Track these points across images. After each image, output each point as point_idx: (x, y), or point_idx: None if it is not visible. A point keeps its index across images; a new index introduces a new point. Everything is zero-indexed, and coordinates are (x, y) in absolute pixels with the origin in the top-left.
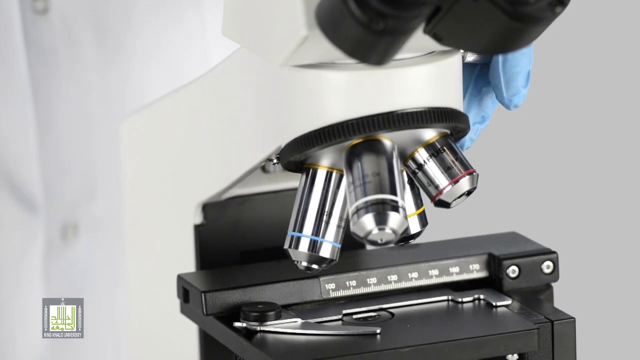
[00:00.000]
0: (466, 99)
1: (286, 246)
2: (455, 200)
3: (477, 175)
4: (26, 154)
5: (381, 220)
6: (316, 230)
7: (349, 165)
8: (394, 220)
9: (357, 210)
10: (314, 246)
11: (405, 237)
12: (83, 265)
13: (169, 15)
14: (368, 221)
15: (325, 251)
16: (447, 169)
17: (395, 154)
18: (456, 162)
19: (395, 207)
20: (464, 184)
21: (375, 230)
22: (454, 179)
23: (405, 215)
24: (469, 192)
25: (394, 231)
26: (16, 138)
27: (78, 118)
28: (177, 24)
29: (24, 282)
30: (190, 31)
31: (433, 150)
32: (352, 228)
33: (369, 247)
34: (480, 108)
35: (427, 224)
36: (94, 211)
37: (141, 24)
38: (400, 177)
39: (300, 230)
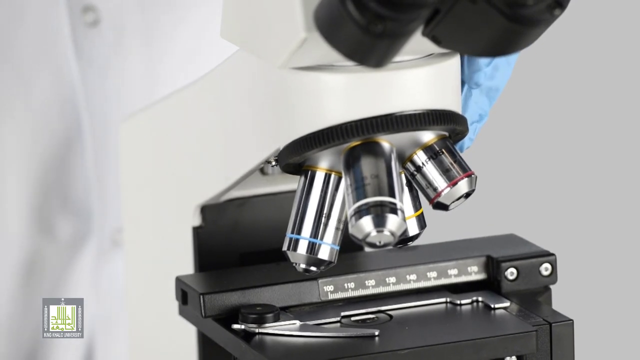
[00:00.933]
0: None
1: (284, 248)
2: (453, 202)
3: (476, 177)
4: (81, 163)
5: (380, 223)
6: (315, 233)
7: (348, 168)
8: (392, 222)
9: (356, 212)
10: (312, 248)
11: (404, 240)
12: None
13: (204, 16)
14: (366, 223)
15: (324, 253)
16: (445, 172)
17: (393, 157)
18: (454, 165)
19: (393, 210)
20: (462, 186)
21: (374, 233)
22: (452, 182)
23: (403, 218)
24: (467, 195)
25: (392, 233)
26: (71, 146)
27: None
28: (211, 25)
29: (74, 285)
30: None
31: (431, 152)
32: (351, 230)
33: (367, 249)
34: (477, 106)
35: (425, 226)
36: None
37: (183, 24)
38: (399, 179)
39: (299, 233)
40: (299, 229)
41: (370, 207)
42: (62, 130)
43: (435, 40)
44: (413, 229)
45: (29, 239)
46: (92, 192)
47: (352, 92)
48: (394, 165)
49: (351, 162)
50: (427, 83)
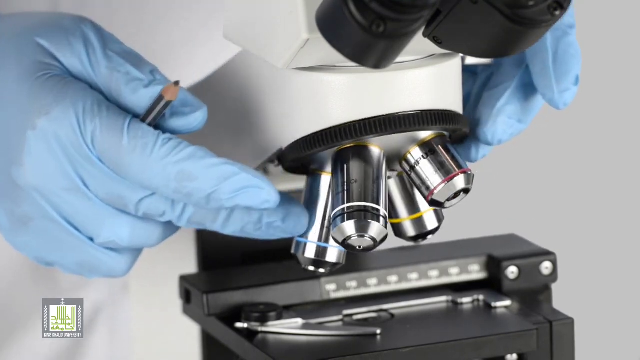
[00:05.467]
0: (509, 92)
1: (293, 251)
2: (449, 200)
3: (472, 175)
4: None
5: (361, 228)
6: (322, 236)
7: (336, 170)
8: (374, 229)
9: (339, 214)
10: (320, 252)
11: (424, 234)
12: None
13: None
14: (349, 227)
15: (332, 256)
16: (440, 167)
17: (383, 162)
18: (450, 161)
19: (376, 216)
20: (458, 182)
21: (355, 237)
22: (447, 177)
23: (385, 224)
24: (465, 192)
25: (373, 240)
26: None
27: None
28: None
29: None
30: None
31: (427, 149)
32: (332, 232)
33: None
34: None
35: (443, 218)
36: None
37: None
38: (386, 185)
39: (307, 236)
40: (306, 232)
41: (354, 211)
42: None
43: (437, 41)
44: (432, 222)
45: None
46: None
47: (354, 93)
48: (382, 171)
49: (339, 164)
50: (429, 83)
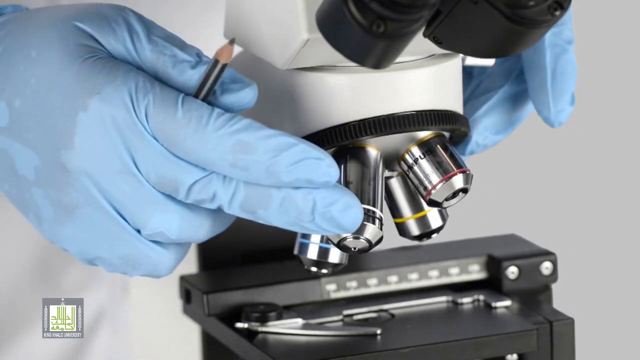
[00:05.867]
0: (488, 104)
1: (296, 252)
2: (447, 200)
3: (471, 175)
4: None
5: (357, 230)
6: (324, 237)
7: (431, 151)
8: (369, 231)
9: (449, 174)
10: (322, 253)
11: (428, 232)
12: None
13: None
14: (458, 180)
15: (334, 257)
16: (438, 167)
17: (379, 163)
18: (448, 160)
19: (372, 218)
20: (456, 181)
21: (350, 238)
22: (445, 177)
23: (381, 226)
24: (463, 192)
25: (368, 241)
26: None
27: None
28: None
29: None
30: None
31: (425, 148)
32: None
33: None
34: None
35: (448, 216)
36: None
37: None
38: (382, 186)
39: (308, 237)
40: (308, 234)
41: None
42: None
43: (437, 41)
44: (436, 221)
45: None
46: None
47: (354, 93)
48: (379, 172)
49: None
50: (429, 83)
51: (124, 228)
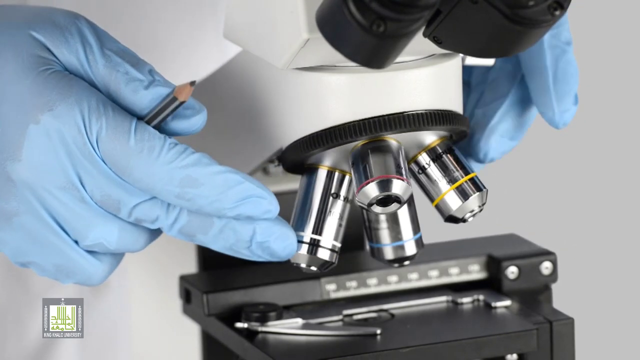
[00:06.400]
0: (502, 110)
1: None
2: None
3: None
4: None
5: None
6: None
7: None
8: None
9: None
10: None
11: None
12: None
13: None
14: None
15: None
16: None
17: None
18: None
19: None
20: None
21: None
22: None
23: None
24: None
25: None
26: None
27: None
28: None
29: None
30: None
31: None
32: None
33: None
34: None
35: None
36: None
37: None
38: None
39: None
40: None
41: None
42: None
43: (437, 40)
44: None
45: None
46: None
47: (354, 93)
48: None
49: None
50: (429, 83)
51: (62, 239)
